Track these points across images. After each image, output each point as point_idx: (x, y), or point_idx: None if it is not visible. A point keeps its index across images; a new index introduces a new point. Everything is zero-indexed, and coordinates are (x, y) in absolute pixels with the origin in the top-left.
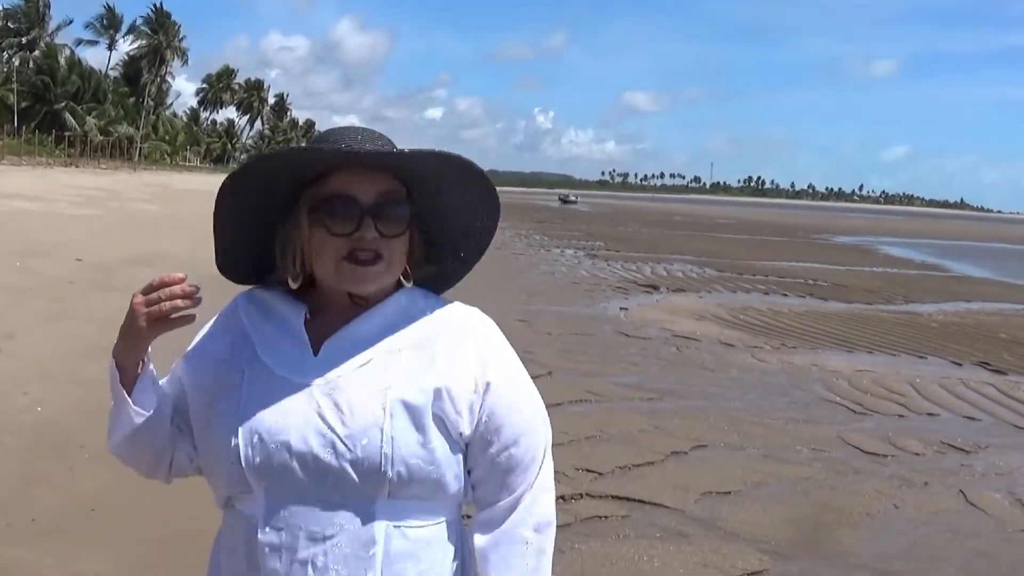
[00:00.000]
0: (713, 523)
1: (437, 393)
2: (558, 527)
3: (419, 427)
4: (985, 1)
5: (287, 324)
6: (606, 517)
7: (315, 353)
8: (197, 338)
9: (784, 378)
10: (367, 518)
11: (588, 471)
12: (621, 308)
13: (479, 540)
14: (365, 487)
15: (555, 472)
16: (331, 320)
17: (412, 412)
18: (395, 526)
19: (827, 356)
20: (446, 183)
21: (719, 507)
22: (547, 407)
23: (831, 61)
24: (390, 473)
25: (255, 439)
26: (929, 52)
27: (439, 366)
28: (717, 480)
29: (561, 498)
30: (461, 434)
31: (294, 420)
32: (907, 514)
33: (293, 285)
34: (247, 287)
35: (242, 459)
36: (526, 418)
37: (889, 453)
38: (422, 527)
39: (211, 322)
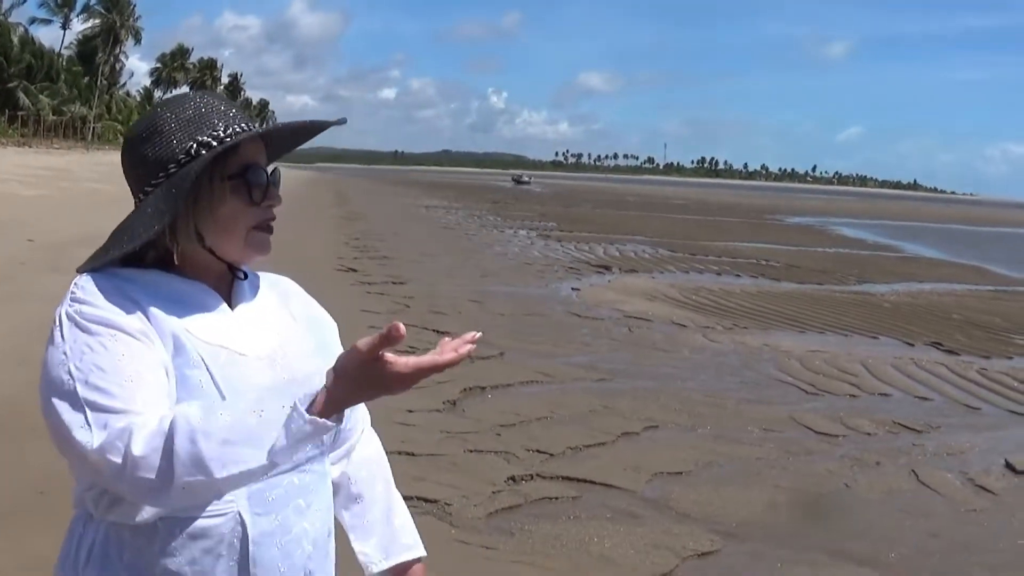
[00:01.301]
0: (665, 504)
1: (338, 348)
2: (508, 508)
3: None
4: None
5: (199, 301)
6: (557, 498)
7: None
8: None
9: (736, 358)
10: (326, 474)
11: (539, 452)
12: (573, 289)
13: (358, 463)
14: (326, 443)
15: (505, 452)
16: (220, 293)
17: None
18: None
19: (779, 336)
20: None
21: (671, 488)
22: (498, 387)
23: (786, 42)
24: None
25: None
26: (883, 34)
27: (322, 324)
28: (668, 461)
29: (512, 479)
30: None
31: None
32: (859, 494)
33: (177, 262)
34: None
35: None
36: None
37: (841, 433)
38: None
39: (87, 327)
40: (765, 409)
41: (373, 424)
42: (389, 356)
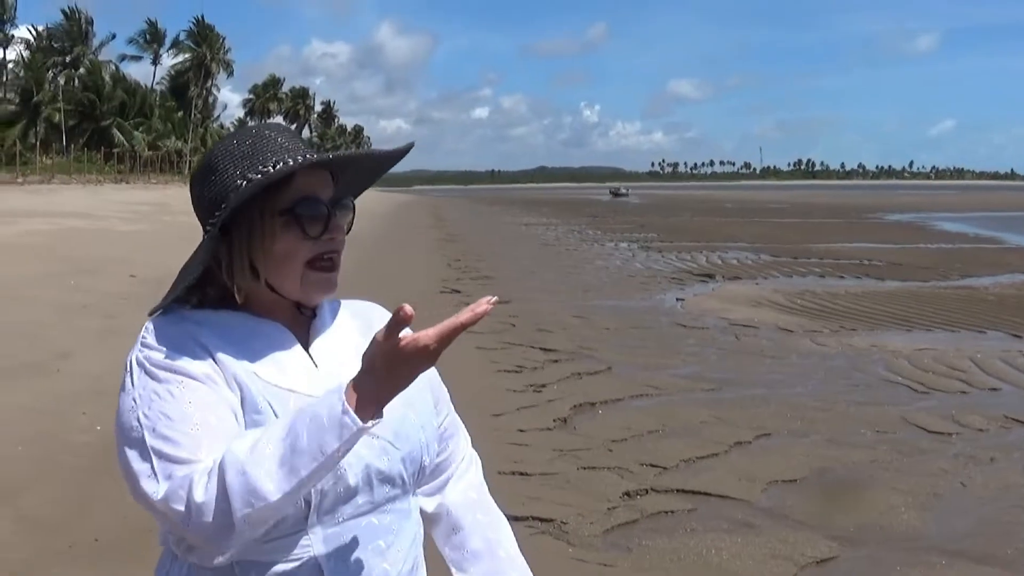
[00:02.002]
0: (780, 512)
1: (423, 378)
2: (624, 524)
3: (429, 413)
4: None
5: (270, 341)
6: (672, 512)
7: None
8: (170, 395)
9: (844, 361)
10: (410, 511)
11: (652, 466)
12: (677, 299)
13: (455, 495)
14: (409, 482)
15: (618, 468)
16: (293, 331)
17: (421, 401)
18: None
19: (886, 336)
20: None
21: (785, 496)
22: (607, 403)
23: (871, 38)
24: (427, 460)
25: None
26: (969, 24)
27: None
28: (782, 468)
29: (626, 494)
30: (438, 411)
31: None
32: (974, 492)
33: (240, 300)
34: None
35: (312, 504)
36: (444, 385)
37: (953, 431)
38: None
39: (156, 373)
40: (876, 411)
41: (484, 447)
42: (406, 336)
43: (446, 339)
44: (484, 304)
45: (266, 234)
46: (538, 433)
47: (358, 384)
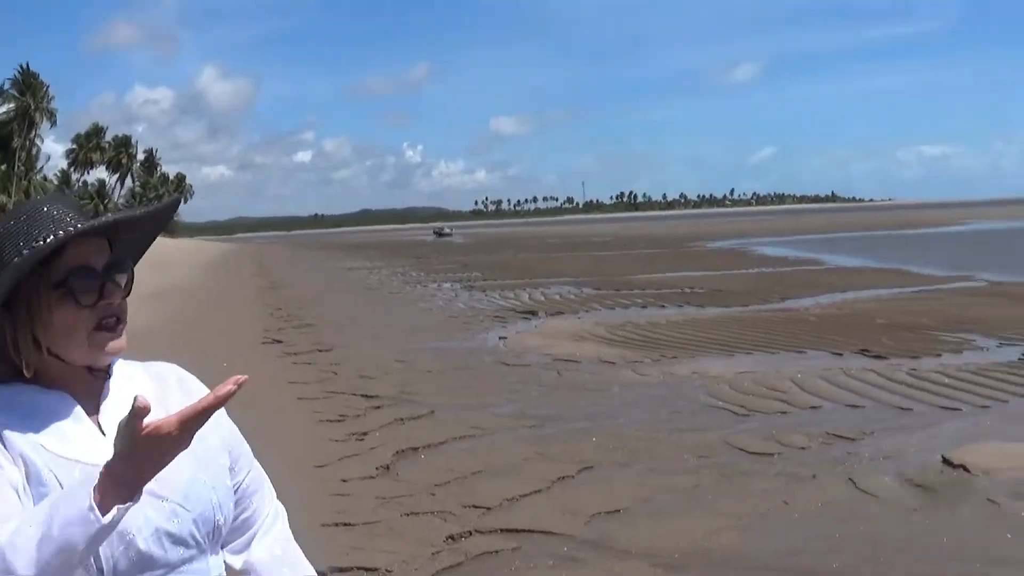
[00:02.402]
0: (605, 544)
1: (216, 439)
2: (448, 568)
3: (221, 472)
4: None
5: (56, 412)
6: (496, 552)
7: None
8: None
9: (666, 389)
10: (209, 571)
11: (475, 507)
12: (500, 337)
13: (260, 551)
14: (204, 542)
15: (442, 512)
16: (82, 399)
17: (212, 461)
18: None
19: (708, 362)
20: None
21: (609, 527)
22: (430, 447)
23: (693, 70)
24: (221, 520)
25: (114, 541)
26: (787, 53)
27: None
28: (605, 500)
29: (450, 537)
30: (232, 468)
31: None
32: (797, 509)
33: (28, 374)
34: None
35: (105, 571)
36: (245, 442)
37: (775, 451)
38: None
39: None
40: (698, 436)
41: (306, 499)
42: (149, 424)
43: (189, 424)
44: (230, 385)
45: (43, 307)
46: (361, 482)
47: (111, 468)
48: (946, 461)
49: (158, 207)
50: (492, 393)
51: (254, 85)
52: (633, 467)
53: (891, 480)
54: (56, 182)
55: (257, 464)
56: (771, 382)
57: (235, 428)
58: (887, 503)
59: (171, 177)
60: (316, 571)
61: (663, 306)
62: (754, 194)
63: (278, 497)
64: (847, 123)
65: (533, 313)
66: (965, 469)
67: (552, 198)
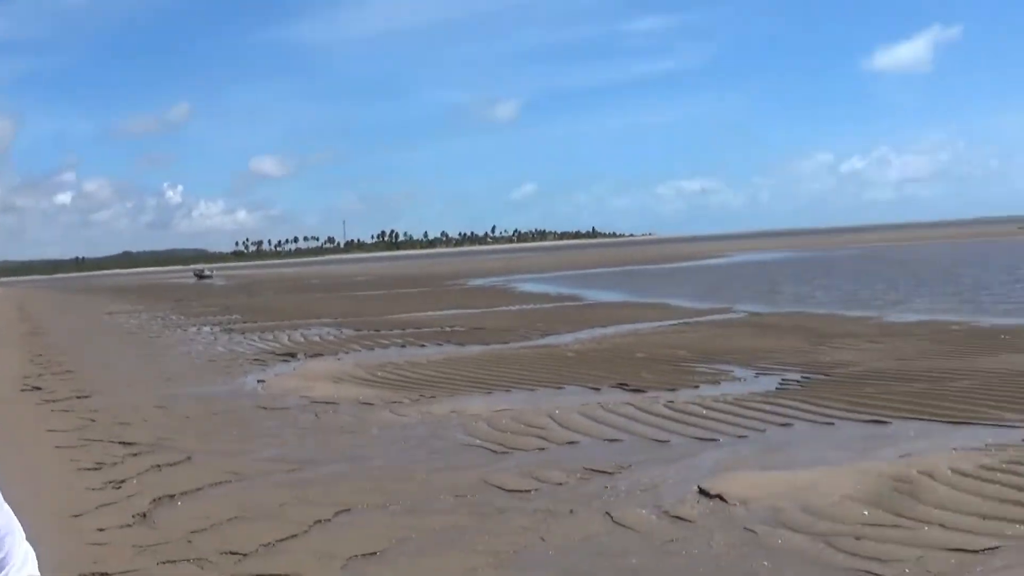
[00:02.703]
0: None
1: None
2: None
3: None
4: (599, 37)
5: None
6: None
7: None
8: None
9: (424, 429)
10: None
11: (232, 553)
12: (259, 381)
13: None
14: None
15: (199, 559)
16: None
17: None
18: None
19: (466, 401)
20: None
21: (367, 570)
22: (187, 493)
23: (455, 108)
24: None
25: None
26: (548, 90)
27: None
28: (362, 542)
29: None
30: None
31: None
32: (555, 544)
33: None
34: None
35: None
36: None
37: (532, 488)
38: None
39: None
40: (455, 475)
41: (62, 550)
42: None
43: None
44: None
45: None
46: (118, 531)
47: None
48: (703, 492)
49: None
50: (250, 438)
51: (13, 125)
52: (390, 508)
53: (648, 512)
54: None
55: (6, 506)
56: (529, 419)
57: None
58: (643, 536)
59: None
60: None
61: (423, 345)
62: (515, 231)
63: (34, 549)
64: (607, 159)
65: (292, 355)
66: (722, 499)
67: (313, 238)
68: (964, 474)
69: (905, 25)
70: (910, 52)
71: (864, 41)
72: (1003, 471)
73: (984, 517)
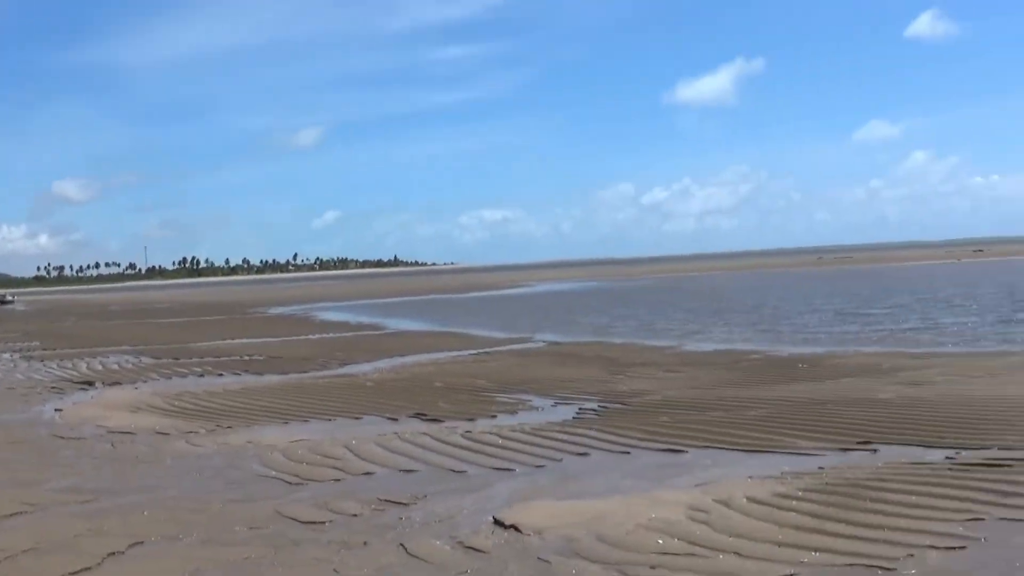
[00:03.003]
0: None
1: None
2: None
3: None
4: (404, 64)
5: None
6: None
7: None
8: None
9: (220, 460)
10: None
11: None
12: (56, 409)
13: None
14: None
15: None
16: None
17: None
18: None
19: (263, 431)
20: None
21: None
22: None
23: (258, 134)
24: None
25: None
26: (353, 117)
27: None
28: (155, 575)
29: None
30: None
31: None
32: None
33: None
34: None
35: None
36: None
37: (327, 519)
38: None
39: None
40: (250, 507)
41: None
42: None
43: None
44: None
45: None
46: None
47: None
48: (498, 522)
49: None
50: (46, 467)
51: None
52: (184, 540)
53: (442, 544)
54: None
55: None
56: (325, 449)
57: None
58: (437, 567)
59: None
60: None
61: (221, 375)
62: (317, 259)
63: None
64: (411, 187)
65: (91, 384)
66: (517, 529)
67: (115, 264)
68: (759, 502)
69: (708, 58)
70: (713, 85)
71: (669, 73)
72: (798, 499)
73: (779, 544)
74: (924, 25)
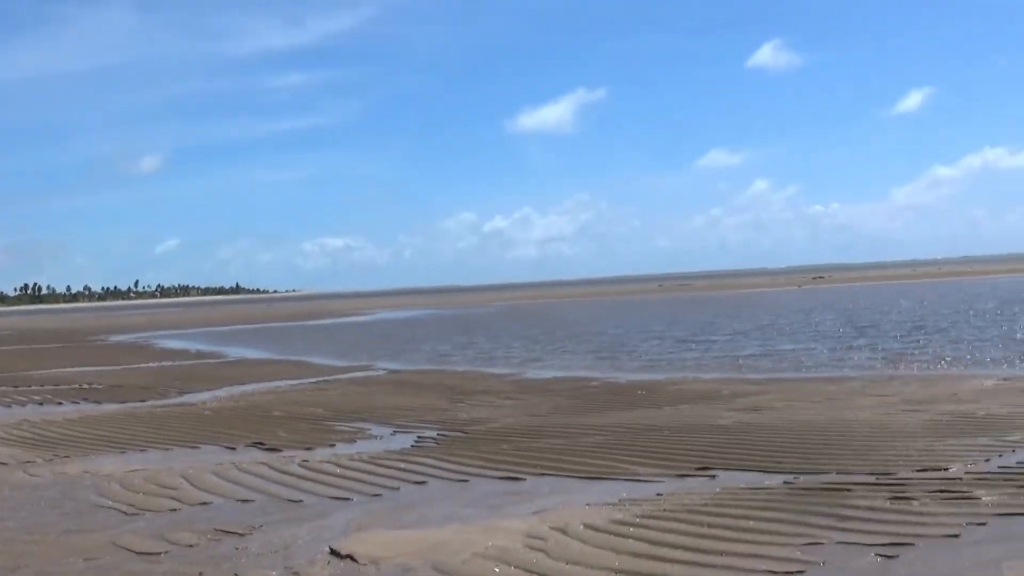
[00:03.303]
0: None
1: None
2: None
3: None
4: (245, 91)
5: None
6: None
7: None
8: None
9: (57, 490)
10: None
11: None
12: None
13: None
14: None
15: None
16: None
17: None
18: None
19: (100, 461)
20: None
21: None
22: None
23: (101, 159)
24: None
25: None
26: (194, 144)
27: None
28: None
29: None
30: None
31: None
32: None
33: None
34: None
35: None
36: None
37: (163, 550)
38: None
39: None
40: (86, 538)
41: None
42: None
43: None
44: None
45: None
46: None
47: None
48: (334, 552)
49: None
50: None
51: None
52: (19, 572)
53: (278, 574)
54: None
55: None
56: (163, 479)
57: None
58: None
59: None
60: None
61: (60, 403)
62: (159, 286)
63: None
64: (252, 214)
65: None
66: (352, 559)
67: None
68: (597, 529)
69: (551, 88)
70: (555, 114)
71: (511, 103)
72: (636, 525)
73: (616, 572)
74: (766, 55)
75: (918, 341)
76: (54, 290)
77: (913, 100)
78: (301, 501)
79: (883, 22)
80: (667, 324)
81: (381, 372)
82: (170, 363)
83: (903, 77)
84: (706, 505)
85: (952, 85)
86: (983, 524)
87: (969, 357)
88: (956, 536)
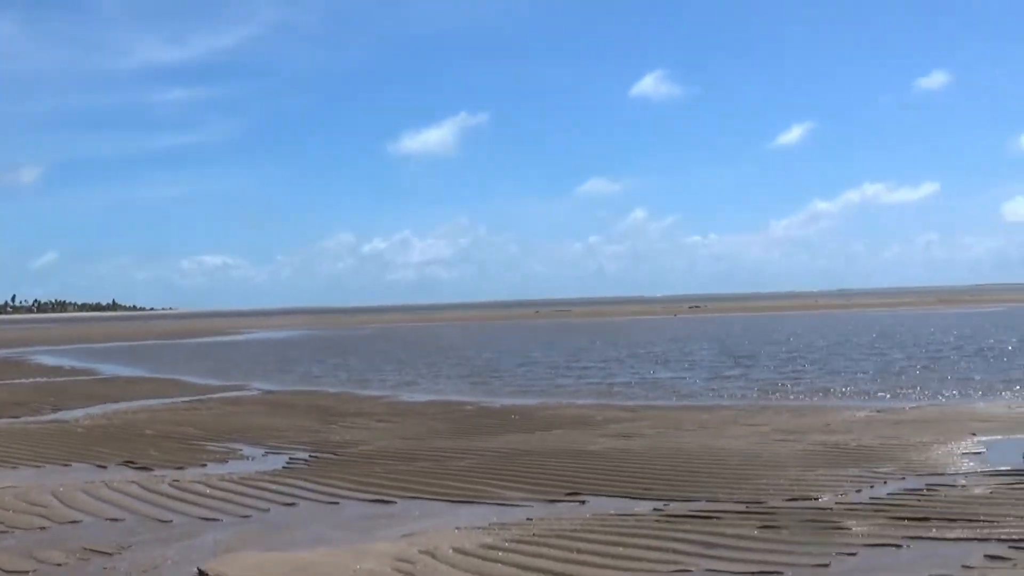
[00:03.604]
0: None
1: None
2: None
3: None
4: (125, 105)
5: None
6: None
7: None
8: None
9: None
10: None
11: None
12: None
13: None
14: None
15: None
16: None
17: None
18: None
19: None
20: None
21: None
22: None
23: None
24: None
25: None
26: (72, 157)
27: None
28: None
29: None
30: None
31: None
32: None
33: None
34: None
35: None
36: None
37: (31, 569)
38: None
39: None
40: None
41: None
42: None
43: None
44: None
45: None
46: None
47: None
48: (202, 573)
49: None
50: None
51: None
52: None
53: None
54: None
55: None
56: (33, 497)
57: None
58: None
59: None
60: None
61: None
62: (35, 301)
63: None
64: (131, 230)
65: None
66: None
67: None
68: (466, 553)
69: (433, 111)
70: (436, 137)
71: (392, 125)
72: (505, 549)
73: None
74: (649, 85)
75: (793, 372)
76: None
77: (794, 134)
78: (171, 521)
79: (766, 56)
80: (543, 350)
81: (255, 392)
82: (45, 379)
83: (785, 111)
84: (575, 531)
85: (833, 120)
86: (853, 555)
87: (843, 389)
88: (826, 566)
